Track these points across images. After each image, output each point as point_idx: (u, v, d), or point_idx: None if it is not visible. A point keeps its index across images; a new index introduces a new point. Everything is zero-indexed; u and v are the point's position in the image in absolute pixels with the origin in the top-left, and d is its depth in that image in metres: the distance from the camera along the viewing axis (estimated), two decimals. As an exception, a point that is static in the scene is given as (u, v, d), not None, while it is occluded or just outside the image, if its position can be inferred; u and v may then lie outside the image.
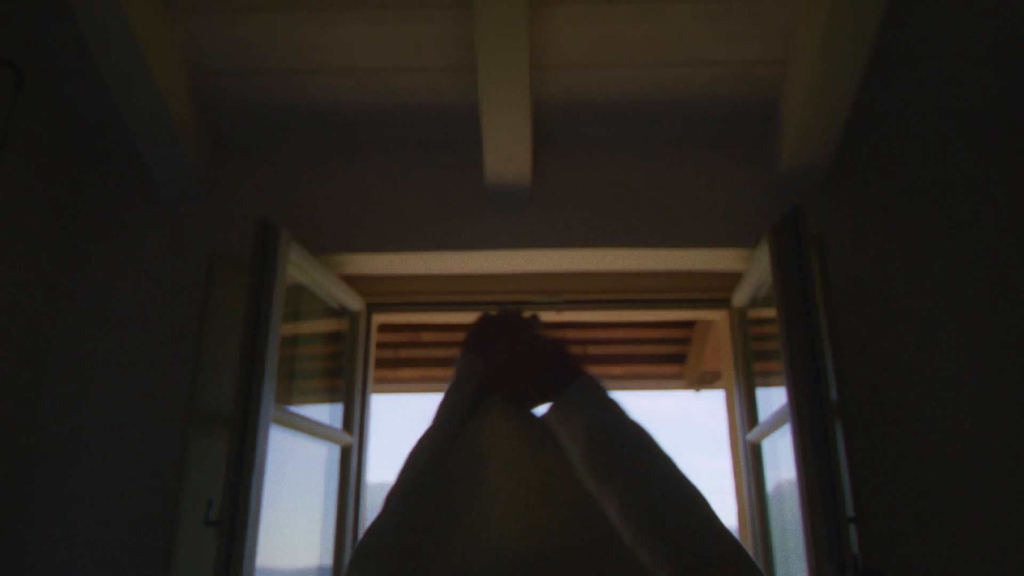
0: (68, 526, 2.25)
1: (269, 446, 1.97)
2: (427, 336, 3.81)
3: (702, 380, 3.92)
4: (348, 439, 2.45)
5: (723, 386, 3.28)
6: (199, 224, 2.54)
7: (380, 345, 3.85)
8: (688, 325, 3.67)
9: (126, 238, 2.54)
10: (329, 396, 2.56)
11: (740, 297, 2.52)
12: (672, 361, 4.00)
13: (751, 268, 2.36)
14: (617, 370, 4.03)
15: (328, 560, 2.38)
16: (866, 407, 2.26)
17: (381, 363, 3.99)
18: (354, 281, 2.64)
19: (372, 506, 2.56)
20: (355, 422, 2.50)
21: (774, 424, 2.18)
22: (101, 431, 2.33)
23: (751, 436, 2.42)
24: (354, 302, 2.58)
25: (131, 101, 2.26)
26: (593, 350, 3.90)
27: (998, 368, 2.29)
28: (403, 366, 4.02)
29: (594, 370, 1.01)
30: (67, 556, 2.23)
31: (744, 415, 2.52)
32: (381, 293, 2.69)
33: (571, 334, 3.76)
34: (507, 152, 2.41)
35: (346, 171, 2.61)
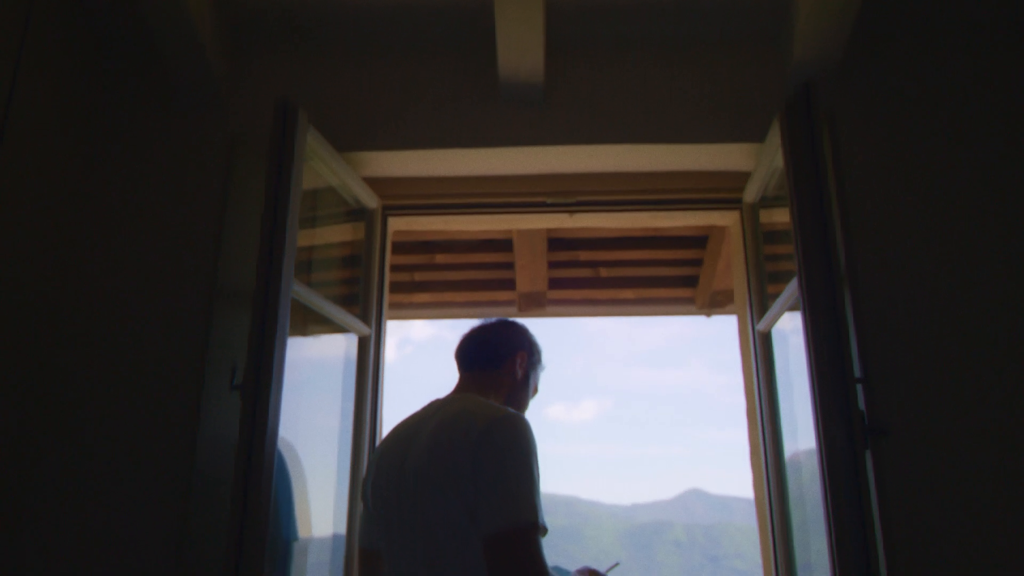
0: (97, 394, 2.29)
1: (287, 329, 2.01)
2: (440, 258, 3.85)
3: (713, 302, 3.95)
4: (366, 330, 2.51)
5: (735, 311, 3.31)
6: (216, 119, 2.57)
7: (394, 268, 3.90)
8: (700, 244, 3.69)
9: (145, 128, 2.57)
10: (346, 307, 2.60)
11: (751, 191, 2.54)
12: (684, 284, 4.03)
13: (762, 158, 2.38)
14: (628, 294, 4.07)
15: (346, 460, 2.45)
16: (873, 277, 2.30)
17: (396, 287, 4.04)
18: (369, 183, 2.68)
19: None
20: (372, 316, 2.56)
21: (783, 306, 2.22)
22: (128, 308, 2.37)
23: (761, 325, 2.46)
24: (369, 199, 2.62)
25: (150, -8, 2.29)
26: (604, 272, 3.93)
27: (1004, 244, 2.32)
28: (418, 290, 4.07)
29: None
30: (95, 422, 2.27)
31: (753, 309, 2.55)
32: (395, 196, 2.73)
33: (583, 255, 3.80)
34: (520, 49, 2.43)
35: (360, 68, 2.64)
